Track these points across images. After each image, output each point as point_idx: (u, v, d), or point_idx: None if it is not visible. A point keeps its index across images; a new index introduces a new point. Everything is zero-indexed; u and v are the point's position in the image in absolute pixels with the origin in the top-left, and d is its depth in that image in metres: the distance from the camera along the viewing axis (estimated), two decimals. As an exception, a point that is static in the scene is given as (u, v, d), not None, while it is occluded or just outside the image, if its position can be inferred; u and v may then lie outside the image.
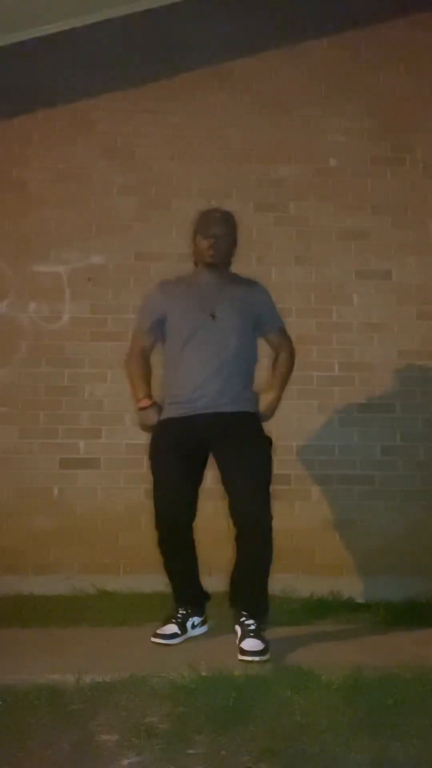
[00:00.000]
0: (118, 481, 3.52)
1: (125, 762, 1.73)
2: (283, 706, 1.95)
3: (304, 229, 3.86)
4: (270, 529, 2.51)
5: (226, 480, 2.58)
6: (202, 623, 2.74)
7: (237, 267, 2.84)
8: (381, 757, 1.72)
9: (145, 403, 2.69)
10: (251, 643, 2.38)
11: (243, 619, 2.49)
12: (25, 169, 3.83)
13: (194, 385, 2.61)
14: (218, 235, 2.69)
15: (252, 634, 2.42)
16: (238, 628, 2.48)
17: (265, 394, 2.76)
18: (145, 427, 2.74)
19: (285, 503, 3.60)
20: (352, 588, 3.44)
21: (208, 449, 2.63)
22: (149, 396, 2.71)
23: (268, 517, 2.51)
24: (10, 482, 3.58)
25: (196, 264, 2.82)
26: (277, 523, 3.48)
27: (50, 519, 3.55)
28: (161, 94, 3.90)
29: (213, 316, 2.64)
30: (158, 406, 2.69)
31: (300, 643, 2.62)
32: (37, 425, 3.63)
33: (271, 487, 2.59)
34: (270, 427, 2.73)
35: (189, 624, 2.68)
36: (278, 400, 2.76)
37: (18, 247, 3.76)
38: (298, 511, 3.61)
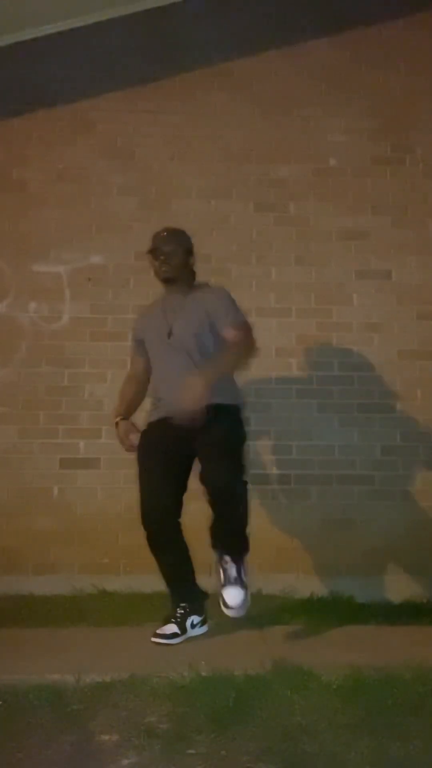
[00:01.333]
0: (118, 481, 3.52)
1: (125, 762, 1.73)
2: (283, 706, 1.95)
3: (304, 229, 3.86)
4: (242, 490, 2.58)
5: (200, 462, 2.64)
6: (202, 623, 2.74)
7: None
8: (381, 757, 1.72)
9: (116, 418, 2.88)
10: (233, 594, 2.52)
11: (223, 561, 2.58)
12: (25, 169, 3.83)
13: (164, 398, 2.73)
14: (165, 252, 2.80)
15: (233, 581, 2.54)
16: (220, 572, 2.58)
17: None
18: (118, 439, 2.85)
19: (285, 503, 3.61)
20: (352, 588, 3.44)
21: (191, 448, 2.67)
22: (120, 414, 2.88)
23: (237, 482, 2.58)
24: (10, 482, 3.58)
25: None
26: (277, 523, 3.48)
27: (50, 519, 3.55)
28: (161, 94, 3.90)
29: (169, 335, 2.77)
30: (128, 424, 2.84)
31: (300, 643, 2.63)
32: (37, 425, 3.63)
33: (245, 457, 2.66)
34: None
35: (188, 623, 2.68)
36: (206, 377, 2.59)
37: (18, 247, 3.76)
38: (298, 511, 3.61)
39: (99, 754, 1.77)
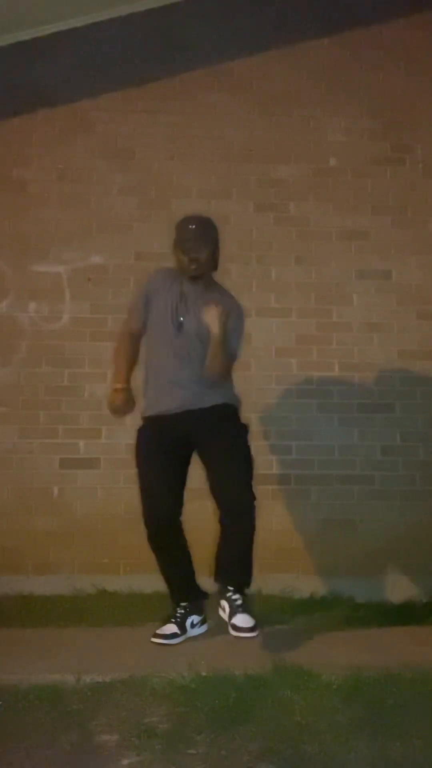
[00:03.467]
0: (118, 481, 3.52)
1: (125, 762, 1.73)
2: (283, 706, 1.95)
3: (304, 229, 3.86)
4: (252, 508, 2.55)
5: (207, 467, 2.64)
6: (202, 623, 2.74)
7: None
8: (381, 757, 1.72)
9: (122, 384, 2.72)
10: (243, 619, 2.42)
11: (230, 594, 2.51)
12: (25, 169, 3.82)
13: (167, 389, 2.67)
14: (194, 248, 2.68)
15: (241, 609, 2.46)
16: (225, 604, 2.51)
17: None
18: (113, 408, 2.74)
19: (285, 503, 3.61)
20: (352, 588, 3.44)
21: (190, 445, 2.68)
22: (123, 380, 2.73)
23: (249, 497, 2.55)
24: (10, 482, 3.58)
25: None
26: (277, 523, 3.48)
27: (50, 519, 3.55)
28: (161, 94, 3.89)
29: (180, 327, 2.69)
30: (129, 393, 2.72)
31: (300, 643, 2.63)
32: (37, 425, 3.63)
33: (254, 470, 2.64)
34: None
35: (188, 623, 2.68)
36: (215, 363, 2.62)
37: (18, 247, 3.75)
38: (298, 511, 3.61)
39: (99, 754, 1.77)
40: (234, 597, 2.49)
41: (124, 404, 2.71)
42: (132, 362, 2.79)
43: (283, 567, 3.46)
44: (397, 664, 2.21)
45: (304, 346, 3.76)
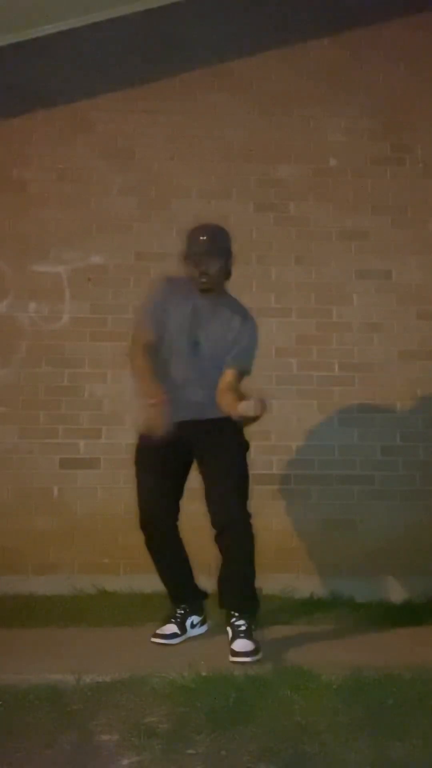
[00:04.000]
0: (118, 481, 3.52)
1: (125, 762, 1.73)
2: (283, 706, 1.95)
3: (304, 229, 3.86)
4: (248, 527, 2.52)
5: (204, 480, 2.62)
6: (202, 623, 2.75)
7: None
8: (381, 757, 1.72)
9: (161, 397, 2.50)
10: (241, 644, 2.39)
11: (233, 620, 2.49)
12: (25, 169, 3.82)
13: (175, 401, 2.55)
14: (205, 262, 2.61)
15: (242, 635, 2.42)
16: (229, 630, 2.49)
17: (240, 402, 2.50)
18: (151, 426, 2.50)
19: (285, 503, 3.61)
20: (352, 588, 3.44)
21: (190, 454, 2.67)
22: (164, 391, 2.53)
23: (244, 517, 2.53)
24: (10, 482, 3.58)
25: None
26: (277, 523, 3.48)
27: (50, 519, 3.55)
28: (161, 94, 3.89)
29: (197, 343, 2.65)
30: (168, 405, 2.51)
31: (300, 643, 2.63)
32: (37, 425, 3.63)
33: (250, 487, 2.63)
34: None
35: (188, 623, 2.69)
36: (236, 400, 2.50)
37: (18, 247, 3.76)
38: (298, 511, 3.61)
39: (99, 754, 1.77)
40: (237, 623, 2.47)
41: (165, 417, 2.48)
42: (154, 372, 2.61)
43: (283, 567, 3.46)
44: (397, 664, 2.21)
45: (304, 346, 3.76)
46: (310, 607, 3.24)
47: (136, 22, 3.76)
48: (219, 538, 2.53)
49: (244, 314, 2.74)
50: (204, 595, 2.77)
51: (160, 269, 3.57)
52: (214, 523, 2.54)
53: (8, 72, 3.72)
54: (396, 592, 3.42)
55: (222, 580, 2.58)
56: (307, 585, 3.44)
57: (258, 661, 2.35)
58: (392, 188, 3.92)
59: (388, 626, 2.92)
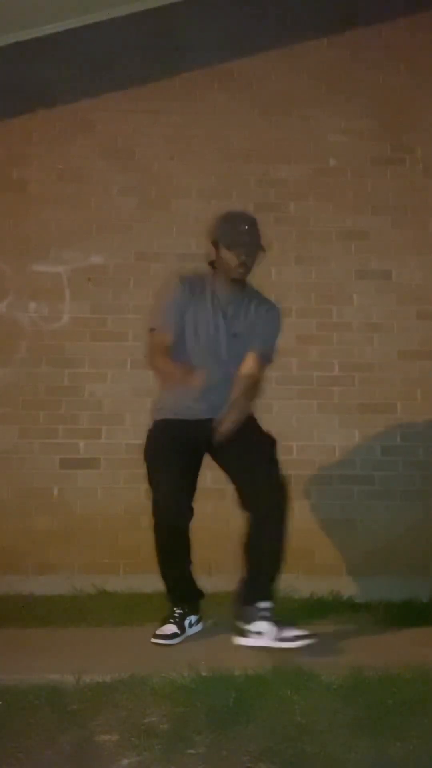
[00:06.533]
0: (118, 481, 3.52)
1: (125, 762, 1.73)
2: (283, 706, 1.95)
3: (304, 229, 3.86)
4: (286, 509, 2.62)
5: (237, 472, 2.62)
6: (198, 621, 2.75)
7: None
8: (381, 757, 1.72)
9: (201, 376, 2.48)
10: (293, 631, 2.46)
11: (265, 613, 2.51)
12: (25, 169, 3.83)
13: (201, 397, 2.58)
14: (250, 253, 2.61)
15: (288, 623, 2.49)
16: (265, 625, 2.49)
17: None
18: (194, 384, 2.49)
19: (285, 503, 3.60)
20: (352, 588, 3.44)
21: (204, 451, 2.66)
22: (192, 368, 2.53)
23: (283, 495, 2.61)
24: (10, 482, 3.58)
25: (212, 266, 2.73)
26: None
27: (50, 519, 3.55)
28: (161, 94, 3.89)
29: (235, 335, 2.64)
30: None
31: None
32: (37, 425, 3.63)
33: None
34: (270, 427, 2.73)
35: (187, 623, 2.68)
36: (231, 421, 2.56)
37: (18, 247, 3.76)
38: (298, 511, 3.60)
39: (99, 754, 1.77)
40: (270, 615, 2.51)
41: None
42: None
43: (283, 567, 3.46)
44: (397, 664, 2.20)
45: (304, 346, 3.76)
46: (310, 607, 3.24)
47: (136, 22, 3.76)
48: (262, 521, 2.57)
49: (270, 303, 2.78)
50: (202, 594, 2.77)
51: (160, 269, 3.58)
52: (262, 503, 2.57)
53: (8, 72, 3.72)
54: (396, 592, 3.41)
55: (254, 571, 2.58)
56: (307, 585, 3.43)
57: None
58: (392, 188, 3.92)
59: (388, 626, 2.92)
